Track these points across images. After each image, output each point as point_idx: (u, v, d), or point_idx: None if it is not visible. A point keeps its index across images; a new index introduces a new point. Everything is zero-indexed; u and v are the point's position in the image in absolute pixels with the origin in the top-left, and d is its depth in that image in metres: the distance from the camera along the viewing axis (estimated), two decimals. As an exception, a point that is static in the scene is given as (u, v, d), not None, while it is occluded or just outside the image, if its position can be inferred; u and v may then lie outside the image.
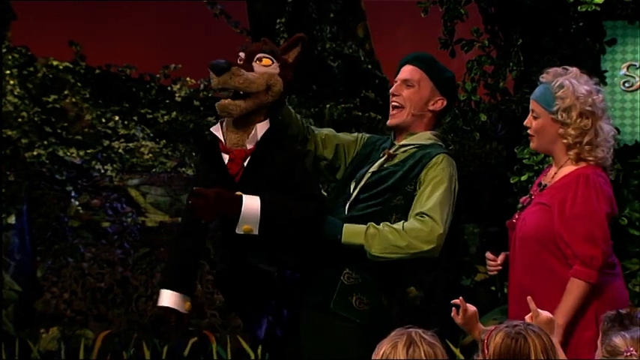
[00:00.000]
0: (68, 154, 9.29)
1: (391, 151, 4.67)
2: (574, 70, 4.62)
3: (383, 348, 3.43)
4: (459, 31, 7.36)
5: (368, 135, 4.92)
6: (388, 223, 4.50)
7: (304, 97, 9.20)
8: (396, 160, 4.66)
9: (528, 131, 4.63)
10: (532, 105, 4.63)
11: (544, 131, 4.58)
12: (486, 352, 3.49)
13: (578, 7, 6.78)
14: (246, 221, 4.28)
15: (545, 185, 4.62)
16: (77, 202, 9.21)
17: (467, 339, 8.05)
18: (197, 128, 9.75)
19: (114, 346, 8.83)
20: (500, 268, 4.67)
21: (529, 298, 4.09)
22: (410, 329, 3.46)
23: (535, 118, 4.60)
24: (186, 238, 4.46)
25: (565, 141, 4.55)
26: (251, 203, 4.29)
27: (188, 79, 9.91)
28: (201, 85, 9.90)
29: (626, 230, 7.10)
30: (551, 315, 4.04)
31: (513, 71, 7.21)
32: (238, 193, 4.30)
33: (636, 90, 7.22)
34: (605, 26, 7.22)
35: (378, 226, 4.48)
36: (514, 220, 4.64)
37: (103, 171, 9.36)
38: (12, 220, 8.85)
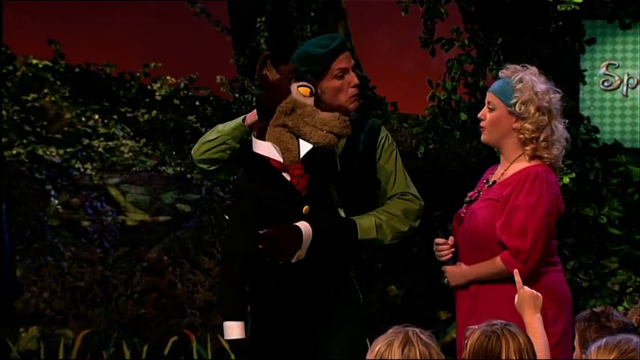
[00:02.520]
0: (48, 152, 9.26)
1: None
2: (533, 68, 4.66)
3: (378, 346, 3.41)
4: (439, 30, 7.38)
5: None
6: (384, 210, 4.65)
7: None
8: (340, 148, 4.68)
9: (481, 123, 4.64)
10: (489, 97, 4.64)
11: (499, 124, 4.60)
12: (465, 349, 3.50)
13: (558, 7, 6.80)
14: (302, 249, 4.41)
15: (495, 181, 4.64)
16: (57, 201, 9.19)
17: (447, 337, 8.06)
18: (177, 127, 9.74)
19: (94, 346, 8.81)
20: (453, 250, 4.65)
21: (515, 270, 4.18)
22: (407, 328, 3.44)
23: (491, 110, 4.61)
24: (236, 266, 4.44)
25: (521, 136, 4.56)
26: (307, 231, 4.41)
27: (168, 77, 9.89)
28: (182, 84, 9.89)
29: (605, 229, 7.13)
30: (535, 292, 4.05)
31: (493, 70, 7.23)
32: (301, 222, 4.41)
33: (615, 89, 7.25)
34: (584, 25, 7.24)
35: (379, 216, 4.63)
36: (462, 214, 4.66)
37: (82, 170, 9.33)
38: (-9, 219, 8.82)
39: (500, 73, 4.69)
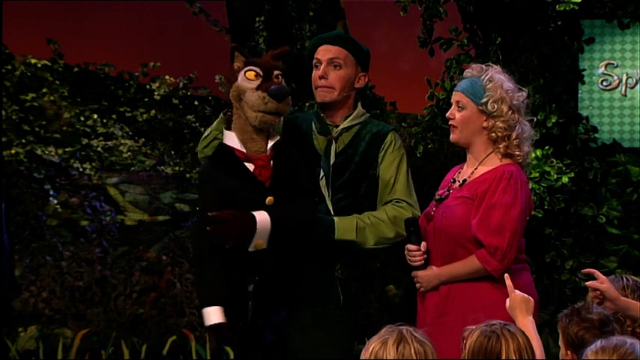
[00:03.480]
0: (46, 152, 9.26)
1: (335, 135, 4.75)
2: (497, 67, 4.67)
3: (372, 345, 3.41)
4: (438, 29, 7.38)
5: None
6: (372, 214, 4.66)
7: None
8: (343, 143, 4.73)
9: (450, 122, 4.63)
10: (457, 97, 4.62)
11: (469, 123, 4.59)
12: (464, 350, 3.50)
13: (557, 6, 6.80)
14: (258, 237, 4.40)
15: (465, 180, 4.62)
16: (56, 201, 9.18)
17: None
18: (176, 126, 9.74)
19: (92, 345, 8.80)
20: (425, 256, 4.62)
21: (506, 275, 4.18)
22: (401, 326, 3.44)
23: (460, 109, 4.60)
24: (205, 253, 4.47)
25: (492, 134, 4.56)
26: (262, 219, 4.40)
27: (167, 77, 9.88)
28: (180, 84, 9.88)
29: (604, 229, 7.13)
30: (526, 295, 4.05)
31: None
32: (259, 212, 4.40)
33: (614, 89, 7.25)
34: (583, 25, 7.25)
35: (364, 219, 4.64)
36: (432, 212, 4.65)
37: (81, 169, 9.33)
38: (-10, 218, 8.81)
39: (465, 73, 4.68)
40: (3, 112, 9.18)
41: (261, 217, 4.39)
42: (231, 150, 4.47)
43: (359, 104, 4.84)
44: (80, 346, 8.67)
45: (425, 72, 7.65)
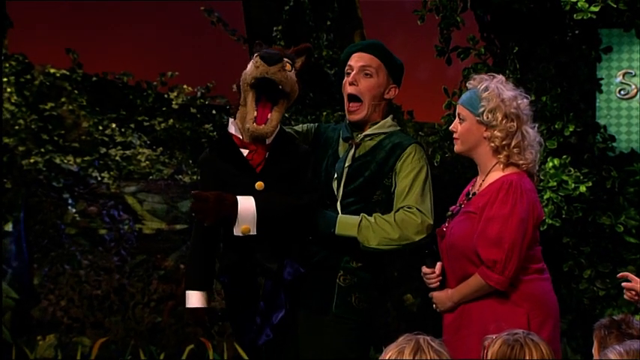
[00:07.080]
0: (65, 161, 9.30)
1: (357, 140, 4.77)
2: (500, 76, 4.66)
3: (389, 353, 3.42)
4: (455, 38, 7.39)
5: (315, 124, 5.01)
6: (379, 215, 4.64)
7: (301, 105, 9.21)
8: (364, 150, 4.75)
9: (454, 135, 4.64)
10: (458, 109, 4.65)
11: (469, 134, 4.59)
12: (485, 358, 3.50)
13: (574, 15, 6.80)
14: (243, 221, 4.41)
15: (474, 193, 4.62)
16: (74, 210, 9.21)
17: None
18: (194, 135, 9.76)
19: (111, 354, 8.83)
20: (440, 278, 4.64)
21: None
22: (418, 335, 3.45)
23: (461, 121, 4.61)
24: (198, 239, 4.64)
25: (492, 144, 4.55)
26: (246, 203, 4.42)
27: (185, 86, 9.92)
28: (198, 93, 9.91)
29: (622, 238, 7.11)
30: None
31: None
32: (246, 197, 4.45)
33: (632, 98, 7.24)
34: (600, 34, 7.24)
35: (369, 218, 4.62)
36: (444, 229, 4.65)
37: (99, 178, 9.36)
38: (9, 227, 8.85)
39: (467, 84, 4.69)
40: (22, 122, 9.23)
41: (246, 201, 4.44)
42: (229, 136, 4.55)
43: (390, 116, 4.85)
44: (98, 354, 8.70)
45: (442, 81, 7.66)
